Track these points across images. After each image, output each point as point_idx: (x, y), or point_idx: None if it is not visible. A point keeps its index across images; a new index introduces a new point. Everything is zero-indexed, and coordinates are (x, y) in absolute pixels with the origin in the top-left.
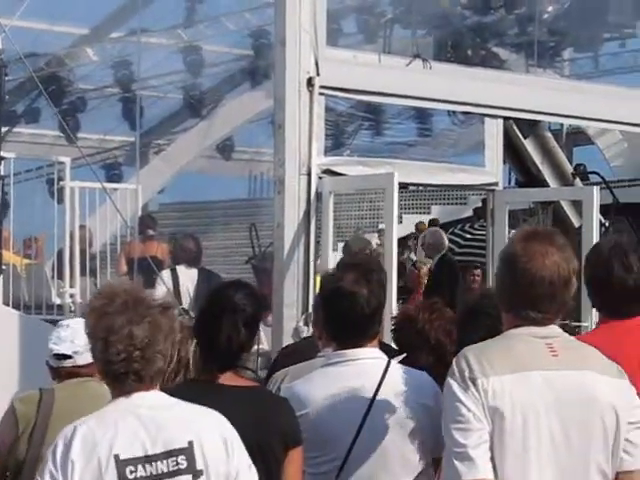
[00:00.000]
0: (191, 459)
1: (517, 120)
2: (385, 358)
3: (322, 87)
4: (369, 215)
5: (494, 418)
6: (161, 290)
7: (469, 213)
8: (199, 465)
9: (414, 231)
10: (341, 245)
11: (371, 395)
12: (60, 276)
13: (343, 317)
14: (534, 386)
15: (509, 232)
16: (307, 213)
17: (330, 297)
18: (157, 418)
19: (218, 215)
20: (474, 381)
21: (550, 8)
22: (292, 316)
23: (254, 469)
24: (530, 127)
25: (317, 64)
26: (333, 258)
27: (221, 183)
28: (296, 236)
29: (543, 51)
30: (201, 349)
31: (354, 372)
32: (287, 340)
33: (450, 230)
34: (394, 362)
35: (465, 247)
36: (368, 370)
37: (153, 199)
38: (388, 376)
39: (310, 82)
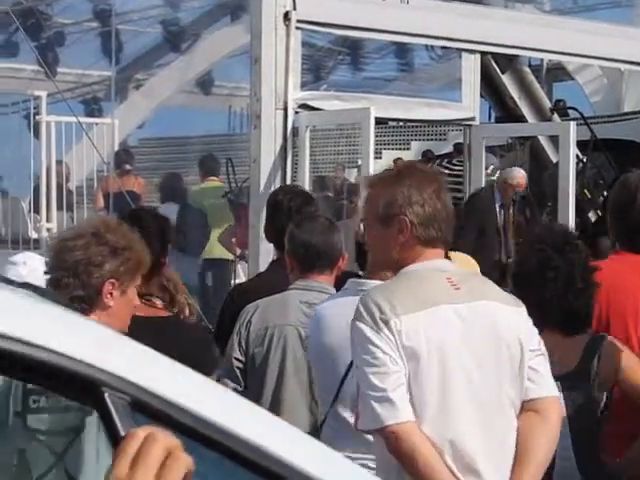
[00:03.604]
0: None
1: (495, 55)
2: None
3: (299, 21)
4: (347, 151)
5: (409, 358)
6: None
7: (449, 149)
8: None
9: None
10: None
11: None
12: (37, 210)
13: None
14: (445, 321)
15: (486, 167)
16: (283, 148)
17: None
18: None
19: (197, 150)
20: (387, 322)
21: None
22: (268, 250)
23: None
24: (508, 62)
25: None
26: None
27: (201, 118)
28: (272, 171)
29: None
30: None
31: None
32: None
33: (429, 166)
34: None
35: None
36: None
37: (133, 134)
38: None
39: (287, 16)
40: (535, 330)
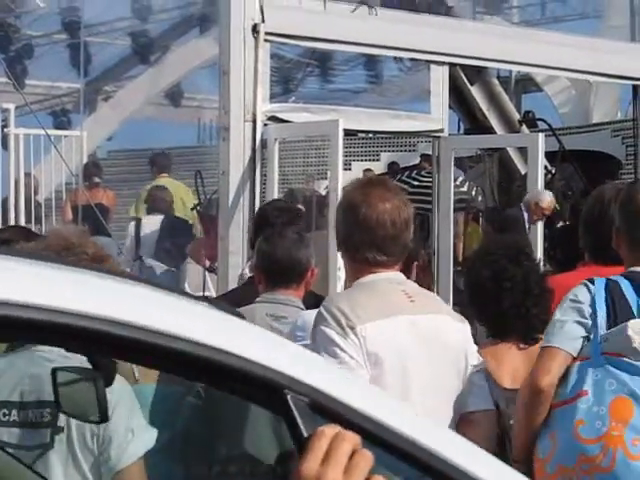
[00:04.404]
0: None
1: (464, 67)
2: None
3: (267, 34)
4: (316, 162)
5: (373, 364)
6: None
7: (418, 160)
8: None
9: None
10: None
11: None
12: (5, 223)
13: None
14: (405, 331)
15: (455, 179)
16: (252, 160)
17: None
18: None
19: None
20: (353, 328)
21: None
22: (237, 263)
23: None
24: (477, 74)
25: (262, 11)
26: None
27: (170, 130)
28: (241, 183)
29: None
30: None
31: None
32: (233, 287)
33: (397, 177)
34: None
35: (412, 194)
36: None
37: (102, 146)
38: None
39: (255, 29)
40: (475, 347)
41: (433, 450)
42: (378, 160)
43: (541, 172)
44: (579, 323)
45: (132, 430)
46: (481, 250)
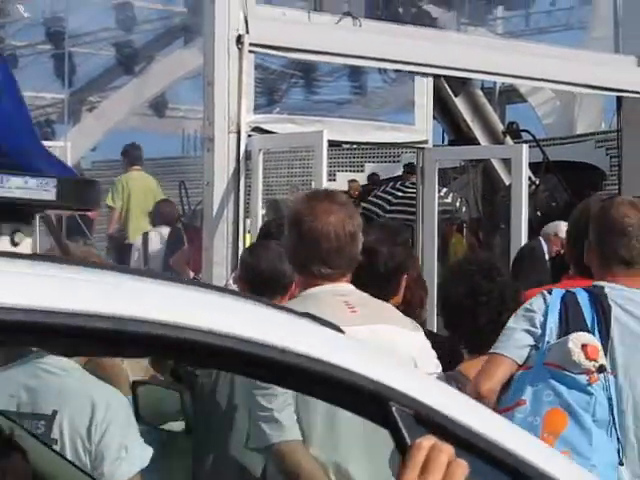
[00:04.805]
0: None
1: (448, 78)
2: None
3: (252, 45)
4: (300, 173)
5: None
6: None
7: (401, 171)
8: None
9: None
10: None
11: None
12: None
13: None
14: None
15: (439, 190)
16: (237, 171)
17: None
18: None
19: (150, 173)
20: None
21: None
22: (222, 274)
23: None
24: (461, 85)
25: (247, 21)
26: (263, 216)
27: (154, 141)
28: (225, 194)
29: (475, 9)
30: None
31: None
32: None
33: (381, 188)
34: None
35: (396, 205)
36: None
37: (86, 157)
38: None
39: (239, 40)
40: (433, 353)
41: (531, 461)
42: (362, 171)
43: (525, 183)
44: (528, 332)
45: (125, 447)
46: (454, 267)
